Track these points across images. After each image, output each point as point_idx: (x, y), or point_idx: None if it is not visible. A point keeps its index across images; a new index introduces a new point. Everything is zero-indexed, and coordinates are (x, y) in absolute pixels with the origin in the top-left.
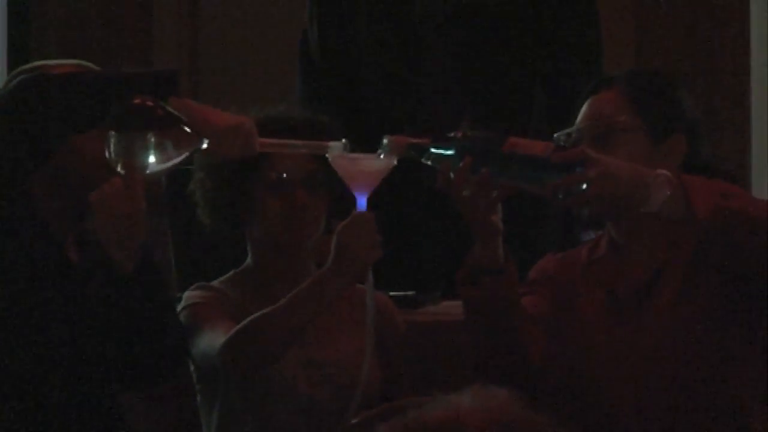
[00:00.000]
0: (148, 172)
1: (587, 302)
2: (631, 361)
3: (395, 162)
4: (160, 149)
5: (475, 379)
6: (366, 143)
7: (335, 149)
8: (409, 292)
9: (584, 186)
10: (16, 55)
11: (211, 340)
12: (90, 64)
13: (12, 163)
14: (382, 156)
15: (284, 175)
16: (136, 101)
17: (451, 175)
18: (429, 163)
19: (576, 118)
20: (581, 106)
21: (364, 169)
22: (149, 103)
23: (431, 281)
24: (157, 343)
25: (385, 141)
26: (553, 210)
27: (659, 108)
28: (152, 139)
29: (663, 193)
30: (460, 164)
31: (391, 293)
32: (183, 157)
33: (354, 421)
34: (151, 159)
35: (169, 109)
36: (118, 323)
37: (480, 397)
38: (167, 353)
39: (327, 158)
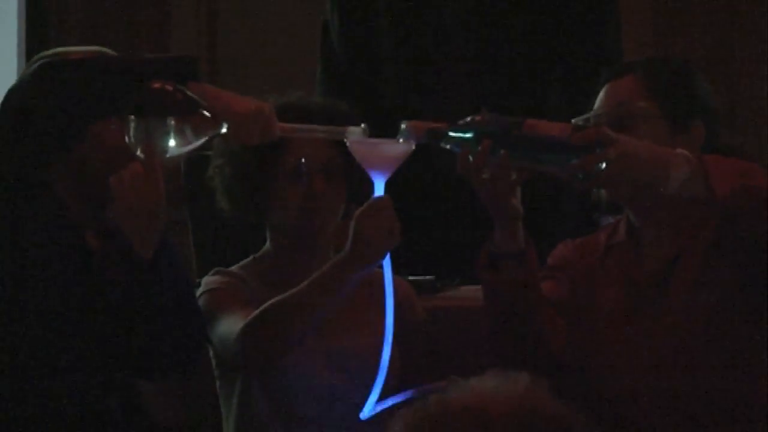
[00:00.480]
0: (167, 156)
1: (605, 288)
2: (649, 346)
3: (414, 147)
4: (179, 134)
5: (495, 364)
6: (384, 131)
7: (354, 134)
8: (429, 277)
9: (603, 166)
10: (36, 46)
11: (229, 326)
12: (110, 51)
13: (33, 151)
14: (401, 141)
15: (303, 161)
16: (156, 86)
17: (470, 158)
18: (448, 147)
19: (594, 104)
20: (599, 92)
21: (382, 154)
22: (169, 88)
23: (450, 266)
24: (177, 330)
25: (403, 126)
26: (571, 195)
27: (677, 95)
28: (172, 124)
29: (682, 172)
30: (479, 147)
31: (410, 278)
32: (202, 141)
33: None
34: (171, 143)
35: (189, 93)
36: (138, 310)
37: (502, 382)
38: (187, 340)
39: (345, 145)
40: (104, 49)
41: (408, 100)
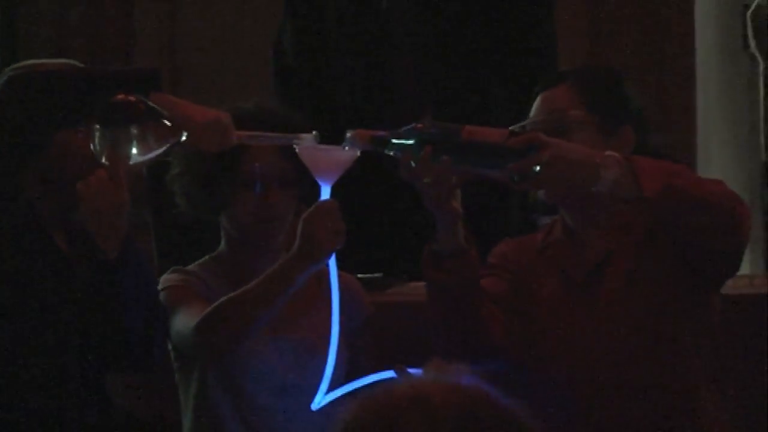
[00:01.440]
0: (131, 163)
1: (543, 283)
2: (585, 338)
3: (358, 153)
4: (142, 142)
5: (440, 356)
6: (335, 138)
7: (307, 141)
8: (377, 275)
9: (538, 168)
10: (5, 59)
11: (186, 320)
12: (77, 63)
13: (2, 157)
14: (345, 148)
15: (258, 170)
16: (120, 97)
17: (412, 164)
18: (391, 153)
19: (530, 111)
20: (534, 101)
21: (328, 160)
22: (132, 99)
23: (398, 264)
24: (142, 326)
25: (348, 134)
26: (510, 198)
27: (607, 102)
28: (135, 133)
29: (612, 173)
30: (421, 153)
31: (360, 276)
32: (164, 149)
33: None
34: (134, 151)
35: (151, 104)
36: (105, 307)
37: (443, 373)
38: (151, 334)
39: (297, 153)
40: (72, 62)
41: (358, 105)
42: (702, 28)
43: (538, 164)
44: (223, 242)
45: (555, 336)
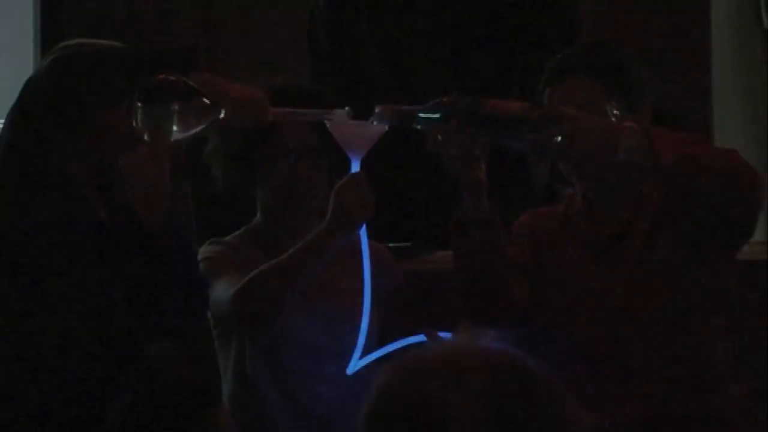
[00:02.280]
0: (171, 140)
1: (565, 252)
2: (605, 305)
3: (386, 128)
4: (182, 119)
5: (466, 322)
6: (367, 110)
7: (339, 116)
8: (407, 244)
9: (559, 139)
10: (49, 39)
11: (223, 290)
12: (119, 44)
13: (49, 135)
14: (374, 123)
15: (289, 145)
16: (161, 77)
17: (439, 137)
18: (418, 127)
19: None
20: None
21: (358, 134)
22: (172, 78)
23: (426, 234)
24: (183, 293)
25: (376, 110)
26: (533, 170)
27: (625, 85)
28: (175, 111)
29: (630, 142)
30: (446, 127)
31: (390, 244)
32: (203, 126)
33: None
34: (175, 128)
35: (190, 82)
36: (147, 275)
37: (473, 337)
38: (192, 302)
39: (327, 128)
40: (116, 43)
41: (386, 84)
42: (717, 6)
43: (559, 135)
44: (258, 214)
45: (576, 304)
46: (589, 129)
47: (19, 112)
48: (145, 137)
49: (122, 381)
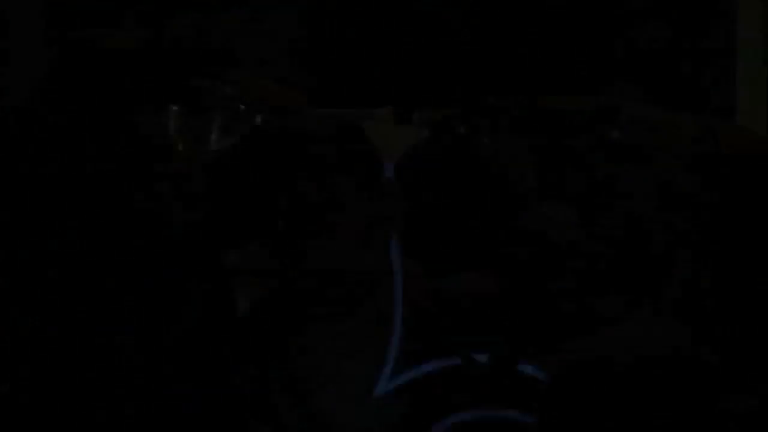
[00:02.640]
0: (207, 150)
1: None
2: None
3: (426, 134)
4: (218, 129)
5: None
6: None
7: (380, 114)
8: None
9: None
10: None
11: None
12: (141, 36)
13: (61, 143)
14: (414, 127)
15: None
16: (196, 81)
17: (485, 140)
18: (463, 131)
19: None
20: None
21: (396, 138)
22: (208, 83)
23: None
24: None
25: (416, 114)
26: None
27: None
28: (211, 120)
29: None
30: (497, 128)
31: None
32: (240, 135)
33: None
34: (212, 138)
35: (226, 88)
36: None
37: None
38: None
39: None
40: (131, 35)
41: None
42: None
43: (618, 128)
44: (281, 223)
45: None
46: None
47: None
48: (179, 147)
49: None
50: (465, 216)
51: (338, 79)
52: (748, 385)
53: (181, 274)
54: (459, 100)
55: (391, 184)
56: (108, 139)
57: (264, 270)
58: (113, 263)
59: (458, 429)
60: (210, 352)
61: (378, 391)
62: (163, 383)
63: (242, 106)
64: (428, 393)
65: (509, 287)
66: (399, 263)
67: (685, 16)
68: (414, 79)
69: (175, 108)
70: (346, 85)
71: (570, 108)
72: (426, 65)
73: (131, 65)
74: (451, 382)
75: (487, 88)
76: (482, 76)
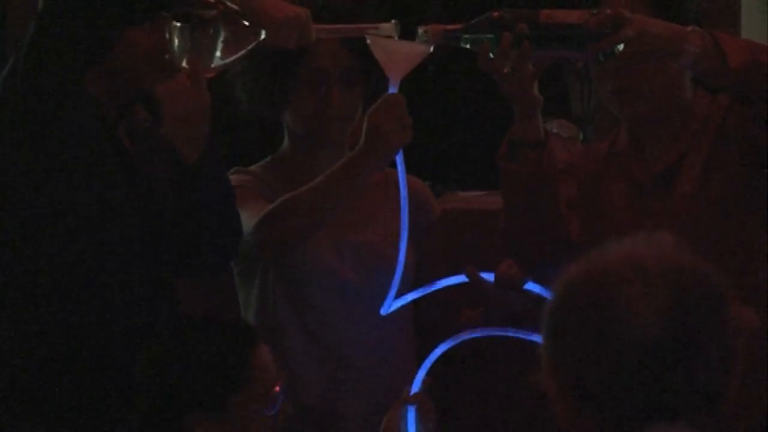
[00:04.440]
0: (212, 66)
1: (610, 192)
2: None
3: (431, 49)
4: (223, 44)
5: (501, 259)
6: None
7: (386, 30)
8: (427, 183)
9: (621, 46)
10: None
11: (247, 219)
12: None
13: (69, 56)
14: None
15: (321, 69)
16: None
17: (491, 54)
18: (467, 46)
19: None
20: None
21: (400, 53)
22: (210, 0)
23: (449, 172)
24: (217, 229)
25: (421, 30)
26: (573, 102)
27: (671, 5)
28: (215, 36)
29: (696, 46)
30: (499, 42)
31: None
32: (244, 51)
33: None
34: (217, 54)
35: (229, 4)
36: (181, 209)
37: (653, 243)
38: (226, 238)
39: (363, 52)
40: None
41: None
42: None
43: (622, 41)
44: (286, 142)
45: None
46: (653, 32)
47: (40, 24)
48: (183, 64)
49: (145, 320)
50: (443, 141)
51: None
52: None
53: None
54: (462, 15)
55: (397, 99)
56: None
57: None
58: None
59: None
60: None
61: (384, 311)
62: None
63: (246, 22)
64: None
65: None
66: (404, 178)
67: None
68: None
69: (177, 24)
70: (350, 0)
71: (573, 21)
72: None
73: None
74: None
75: (491, 3)
76: None
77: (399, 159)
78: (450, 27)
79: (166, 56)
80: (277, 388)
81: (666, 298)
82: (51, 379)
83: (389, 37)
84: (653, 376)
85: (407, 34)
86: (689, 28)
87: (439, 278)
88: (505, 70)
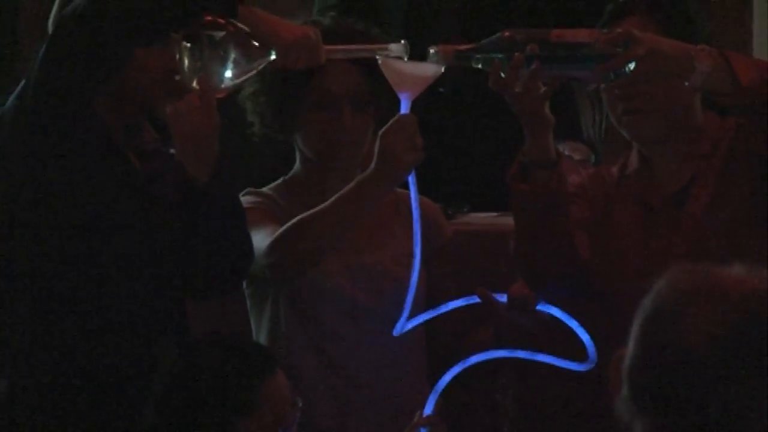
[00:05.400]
0: (222, 87)
1: (622, 214)
2: (665, 265)
3: (442, 69)
4: (233, 64)
5: (523, 277)
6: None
7: (396, 51)
8: (439, 205)
9: (632, 66)
10: None
11: (259, 241)
12: None
13: (79, 76)
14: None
15: (331, 92)
16: (209, 18)
17: (502, 74)
18: (479, 66)
19: None
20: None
21: (412, 74)
22: (221, 21)
23: (460, 195)
24: (228, 251)
25: (432, 50)
26: (584, 122)
27: (680, 24)
28: (226, 56)
29: (707, 64)
30: (510, 62)
31: None
32: (254, 71)
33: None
34: (227, 75)
35: (239, 24)
36: (192, 231)
37: (744, 270)
38: (236, 260)
39: (373, 74)
40: None
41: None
42: None
43: (632, 59)
44: (297, 164)
45: (634, 264)
46: (665, 50)
47: (50, 45)
48: (194, 84)
49: (156, 342)
50: (453, 163)
51: (352, 14)
52: None
53: None
54: (474, 35)
55: (409, 120)
56: None
57: None
58: None
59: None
60: None
61: (396, 332)
62: None
63: (256, 43)
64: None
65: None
66: (416, 199)
67: None
68: (428, 15)
69: (187, 45)
70: (361, 21)
71: (584, 40)
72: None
73: (139, 3)
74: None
75: (502, 22)
76: (496, 12)
77: (411, 180)
78: (461, 47)
79: (176, 77)
80: (290, 417)
81: (741, 325)
82: (59, 396)
83: (399, 57)
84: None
85: (417, 54)
86: (699, 47)
87: (450, 299)
88: (517, 90)
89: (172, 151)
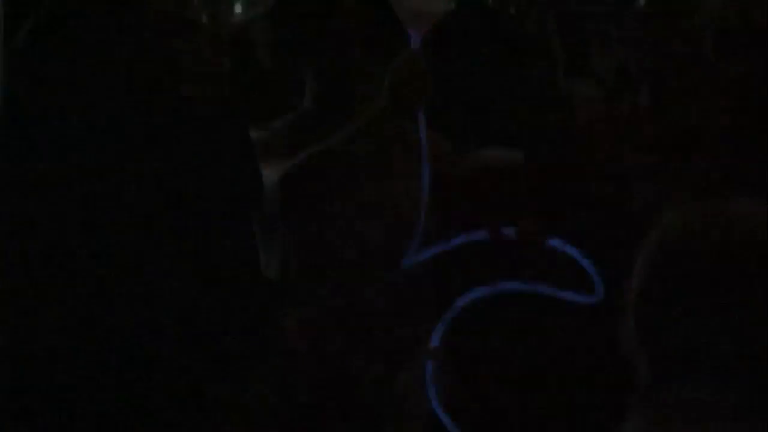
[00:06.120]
0: (233, 21)
1: None
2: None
3: (453, 5)
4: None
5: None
6: None
7: None
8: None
9: None
10: None
11: (268, 177)
12: None
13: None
14: None
15: (343, 28)
16: None
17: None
18: (489, 2)
19: None
20: None
21: (422, 8)
22: None
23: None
24: (238, 185)
25: None
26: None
27: None
28: None
29: None
30: None
31: None
32: (264, 4)
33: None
34: (237, 9)
35: None
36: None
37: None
38: (246, 194)
39: (386, 9)
40: None
41: None
42: None
43: None
44: (308, 99)
45: None
46: None
47: None
48: (203, 19)
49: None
50: (493, 89)
51: None
52: None
53: None
54: None
55: (418, 55)
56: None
57: None
58: None
59: (481, 303)
60: None
61: (406, 264)
62: None
63: None
64: (455, 267)
65: (536, 163)
66: (425, 135)
67: None
68: None
69: None
70: None
71: None
72: None
73: None
74: (478, 256)
75: None
76: None
77: (420, 115)
78: None
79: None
80: None
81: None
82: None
83: None
84: None
85: None
86: None
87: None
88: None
89: None
